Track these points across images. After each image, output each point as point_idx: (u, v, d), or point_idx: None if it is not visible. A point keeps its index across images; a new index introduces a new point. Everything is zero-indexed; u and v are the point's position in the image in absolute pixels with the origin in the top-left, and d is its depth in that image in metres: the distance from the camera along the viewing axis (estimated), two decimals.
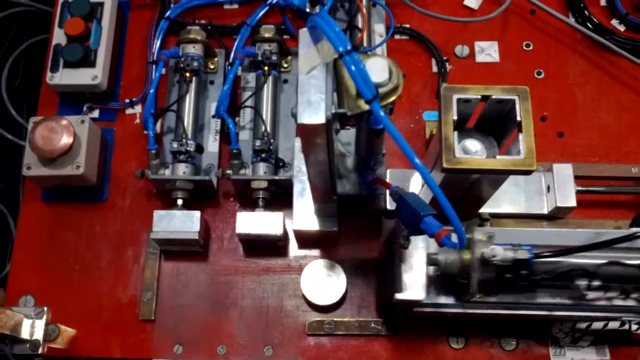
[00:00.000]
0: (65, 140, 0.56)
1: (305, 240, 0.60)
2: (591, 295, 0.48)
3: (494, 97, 0.46)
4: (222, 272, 0.60)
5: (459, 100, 0.46)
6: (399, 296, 0.46)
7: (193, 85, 0.62)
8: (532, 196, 0.56)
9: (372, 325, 0.57)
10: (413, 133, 0.63)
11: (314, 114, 0.37)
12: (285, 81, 0.64)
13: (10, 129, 0.70)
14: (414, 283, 0.46)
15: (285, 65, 0.64)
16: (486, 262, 0.44)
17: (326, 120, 0.37)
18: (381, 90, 0.37)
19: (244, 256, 0.60)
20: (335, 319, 0.57)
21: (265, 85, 0.61)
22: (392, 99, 0.38)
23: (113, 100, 0.65)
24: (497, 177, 0.47)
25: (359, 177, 0.51)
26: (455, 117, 0.45)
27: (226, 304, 0.59)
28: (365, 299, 0.58)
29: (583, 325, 0.50)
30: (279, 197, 0.59)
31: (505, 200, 0.56)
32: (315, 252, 0.60)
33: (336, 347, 0.57)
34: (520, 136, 0.45)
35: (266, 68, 0.61)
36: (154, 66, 0.63)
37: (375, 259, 0.59)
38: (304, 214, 0.56)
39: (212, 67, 0.65)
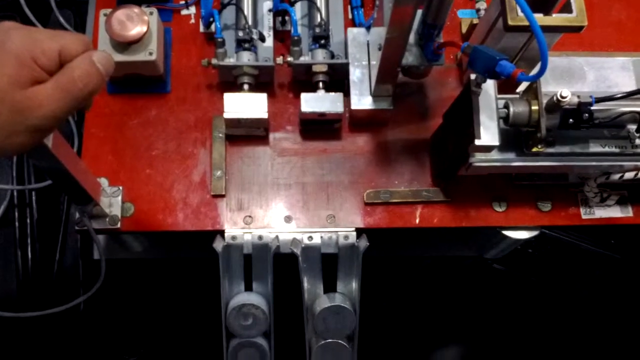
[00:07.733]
0: (140, 27, 0.60)
1: (360, 122, 0.65)
2: (638, 142, 0.55)
3: None
4: (283, 154, 0.65)
5: None
6: (478, 142, 0.52)
7: None
8: None
9: (424, 193, 0.63)
10: (449, 29, 0.69)
11: None
12: None
13: None
14: (488, 132, 0.52)
15: None
16: (553, 107, 0.50)
17: None
18: None
19: (302, 140, 0.66)
20: (390, 189, 0.64)
21: None
22: None
23: (169, 2, 0.69)
24: (550, 37, 0.54)
25: (421, 50, 0.57)
26: None
27: (289, 181, 0.64)
28: (415, 173, 0.64)
29: (616, 176, 0.58)
30: (335, 85, 0.64)
31: None
32: (368, 136, 0.66)
33: (392, 213, 0.63)
34: None
35: None
36: None
37: (423, 140, 0.66)
38: (361, 96, 0.62)
39: None
